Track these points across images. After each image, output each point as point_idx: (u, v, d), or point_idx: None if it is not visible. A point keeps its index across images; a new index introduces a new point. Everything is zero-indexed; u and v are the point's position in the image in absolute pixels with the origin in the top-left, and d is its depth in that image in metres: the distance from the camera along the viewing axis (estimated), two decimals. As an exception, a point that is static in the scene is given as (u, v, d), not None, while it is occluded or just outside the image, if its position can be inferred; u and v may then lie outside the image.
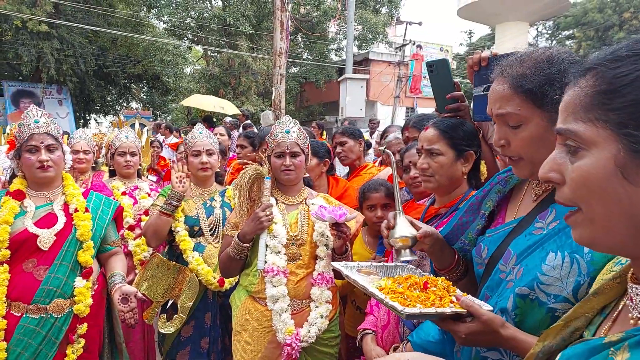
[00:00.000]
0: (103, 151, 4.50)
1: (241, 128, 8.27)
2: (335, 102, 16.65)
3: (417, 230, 1.43)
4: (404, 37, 20.09)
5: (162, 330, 2.65)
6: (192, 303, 2.67)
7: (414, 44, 20.20)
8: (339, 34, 21.98)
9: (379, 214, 2.70)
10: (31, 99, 16.76)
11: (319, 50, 21.72)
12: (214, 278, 2.73)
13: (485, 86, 1.67)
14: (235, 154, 4.90)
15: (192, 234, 2.79)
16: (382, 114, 18.22)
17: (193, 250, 2.75)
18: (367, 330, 1.99)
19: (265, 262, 2.20)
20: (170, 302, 2.72)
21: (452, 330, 1.16)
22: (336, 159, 3.80)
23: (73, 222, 2.30)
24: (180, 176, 2.72)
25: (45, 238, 2.21)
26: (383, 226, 1.50)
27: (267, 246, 2.22)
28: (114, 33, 16.95)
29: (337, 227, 2.09)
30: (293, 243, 2.27)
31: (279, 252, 2.22)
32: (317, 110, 22.30)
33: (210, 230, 2.84)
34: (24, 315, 2.15)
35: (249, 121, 9.27)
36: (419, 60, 19.71)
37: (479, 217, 1.47)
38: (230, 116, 11.30)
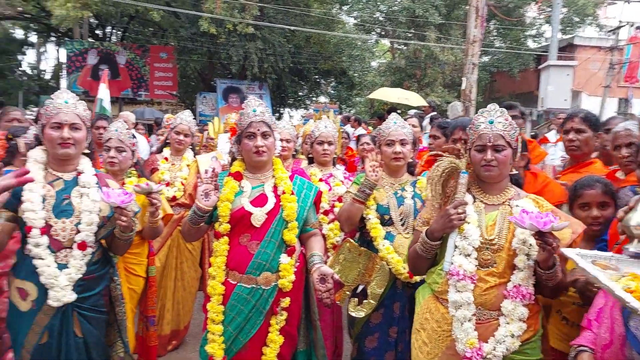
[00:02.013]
0: (299, 140, 4.83)
1: (427, 119, 8.10)
2: (530, 93, 15.29)
3: None
4: (620, 18, 17.45)
5: (352, 314, 2.73)
6: (382, 290, 2.70)
7: (631, 26, 17.37)
8: (538, 18, 20.12)
9: (594, 213, 2.36)
10: (237, 95, 18.93)
11: (514, 37, 20.19)
12: (404, 268, 2.70)
13: None
14: (425, 145, 4.82)
15: (383, 223, 2.81)
16: (588, 106, 16.12)
17: (384, 239, 2.77)
18: (583, 348, 1.74)
19: (452, 263, 2.01)
20: (360, 288, 2.79)
21: None
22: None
23: (281, 203, 2.48)
24: (374, 165, 2.76)
25: (258, 216, 2.43)
26: (621, 210, 1.29)
27: (455, 247, 2.02)
28: (309, 31, 18.15)
29: (542, 236, 1.79)
30: (487, 247, 2.02)
31: (469, 255, 2.00)
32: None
33: (400, 220, 2.83)
34: (238, 284, 2.39)
35: (435, 113, 9.03)
36: (638, 45, 16.88)
37: None
38: (415, 108, 11.16)
